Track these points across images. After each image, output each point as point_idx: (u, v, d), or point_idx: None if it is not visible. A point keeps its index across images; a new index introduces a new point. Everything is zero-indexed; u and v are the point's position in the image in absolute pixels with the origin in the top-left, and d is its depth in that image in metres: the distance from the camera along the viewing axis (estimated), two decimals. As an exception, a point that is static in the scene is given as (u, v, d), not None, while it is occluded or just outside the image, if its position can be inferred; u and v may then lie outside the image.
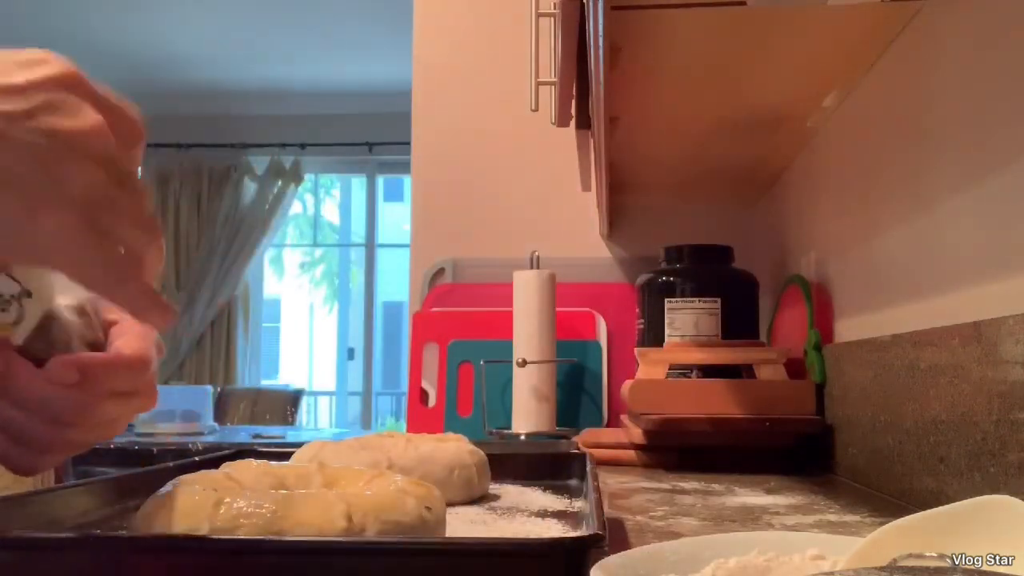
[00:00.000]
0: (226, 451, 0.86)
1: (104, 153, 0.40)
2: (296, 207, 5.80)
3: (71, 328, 0.52)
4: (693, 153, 1.42)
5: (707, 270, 1.40)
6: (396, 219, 6.72)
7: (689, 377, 1.27)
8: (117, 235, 0.41)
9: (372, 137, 5.14)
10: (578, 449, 0.91)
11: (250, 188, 5.25)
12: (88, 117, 0.39)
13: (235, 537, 0.46)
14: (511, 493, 0.80)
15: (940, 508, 0.36)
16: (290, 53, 4.62)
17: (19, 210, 0.38)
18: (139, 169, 0.44)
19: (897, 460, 0.86)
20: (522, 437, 1.44)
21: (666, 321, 1.36)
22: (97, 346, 0.52)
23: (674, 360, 1.24)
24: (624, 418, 1.32)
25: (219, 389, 4.39)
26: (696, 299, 1.35)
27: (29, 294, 0.50)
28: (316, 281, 8.34)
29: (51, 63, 0.39)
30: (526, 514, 0.69)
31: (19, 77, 0.38)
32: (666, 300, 1.37)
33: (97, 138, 0.39)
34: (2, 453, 0.49)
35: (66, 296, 0.52)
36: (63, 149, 0.38)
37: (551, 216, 1.81)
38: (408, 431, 1.38)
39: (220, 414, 3.98)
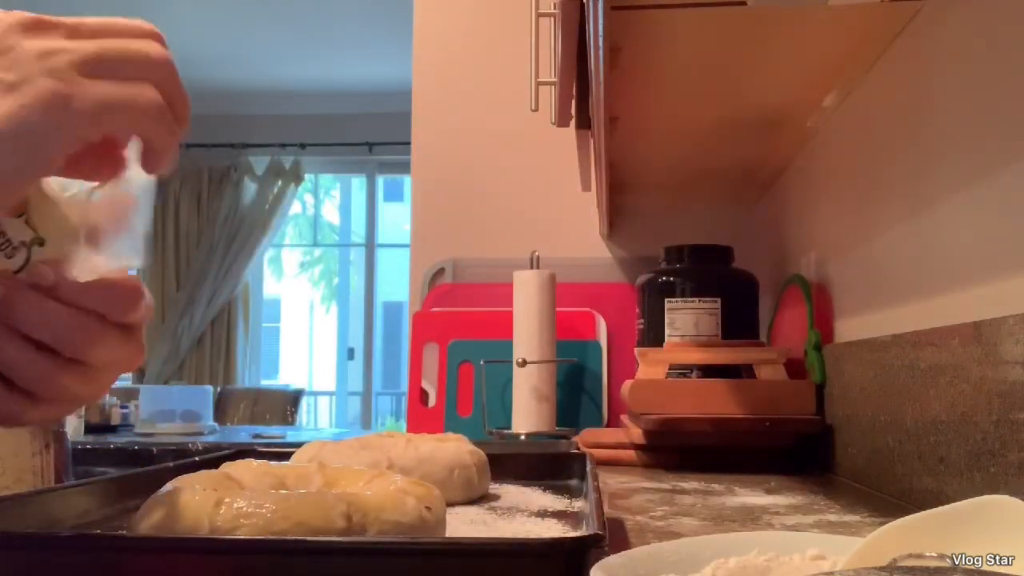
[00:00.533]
0: (226, 451, 0.86)
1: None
2: (296, 207, 5.80)
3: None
4: (693, 153, 1.42)
5: (707, 270, 1.40)
6: (396, 219, 6.72)
7: (689, 377, 1.27)
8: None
9: (372, 137, 5.14)
10: (578, 449, 0.91)
11: (250, 188, 5.25)
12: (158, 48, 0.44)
13: (235, 537, 0.46)
14: (511, 493, 0.80)
15: (940, 508, 0.36)
16: (290, 53, 4.62)
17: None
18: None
19: (897, 460, 0.86)
20: (522, 437, 1.44)
21: (666, 321, 1.36)
22: None
23: (674, 360, 1.24)
24: (624, 418, 1.32)
25: (219, 389, 4.39)
26: (696, 299, 1.35)
27: (42, 242, 0.47)
28: (316, 281, 8.34)
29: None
30: (526, 514, 0.69)
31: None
32: (666, 300, 1.37)
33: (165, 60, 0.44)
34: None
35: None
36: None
37: (551, 216, 1.81)
38: (408, 431, 1.38)
39: (220, 414, 3.98)
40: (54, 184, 0.48)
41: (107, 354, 0.45)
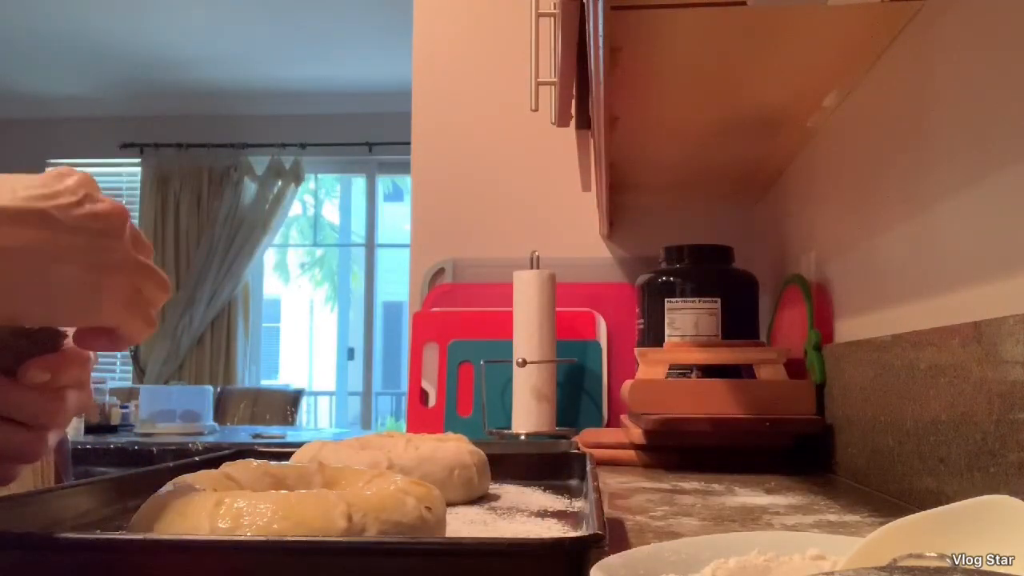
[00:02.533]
0: (226, 451, 0.86)
1: (127, 226, 0.52)
2: (296, 207, 5.80)
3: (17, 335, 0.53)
4: (693, 153, 1.42)
5: (707, 270, 1.40)
6: (396, 219, 6.72)
7: (689, 377, 1.27)
8: (146, 290, 0.53)
9: (372, 137, 5.14)
10: (578, 449, 0.91)
11: (250, 188, 5.25)
12: (110, 202, 0.52)
13: (235, 537, 0.46)
14: (511, 493, 0.80)
15: (940, 508, 0.36)
16: (290, 53, 4.62)
17: (86, 277, 0.49)
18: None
19: (897, 460, 0.86)
20: (522, 437, 1.44)
21: (666, 321, 1.36)
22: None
23: (674, 360, 1.24)
24: (624, 418, 1.32)
25: (219, 389, 4.39)
26: (696, 299, 1.35)
27: None
28: (316, 281, 8.34)
29: (74, 172, 0.51)
30: (526, 514, 0.69)
31: (69, 180, 0.50)
32: (666, 300, 1.37)
33: (121, 216, 0.51)
34: None
35: None
36: (103, 227, 0.50)
37: (551, 216, 1.81)
38: (408, 431, 1.38)
39: (220, 414, 3.98)
40: None
41: (42, 415, 0.53)
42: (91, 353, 0.55)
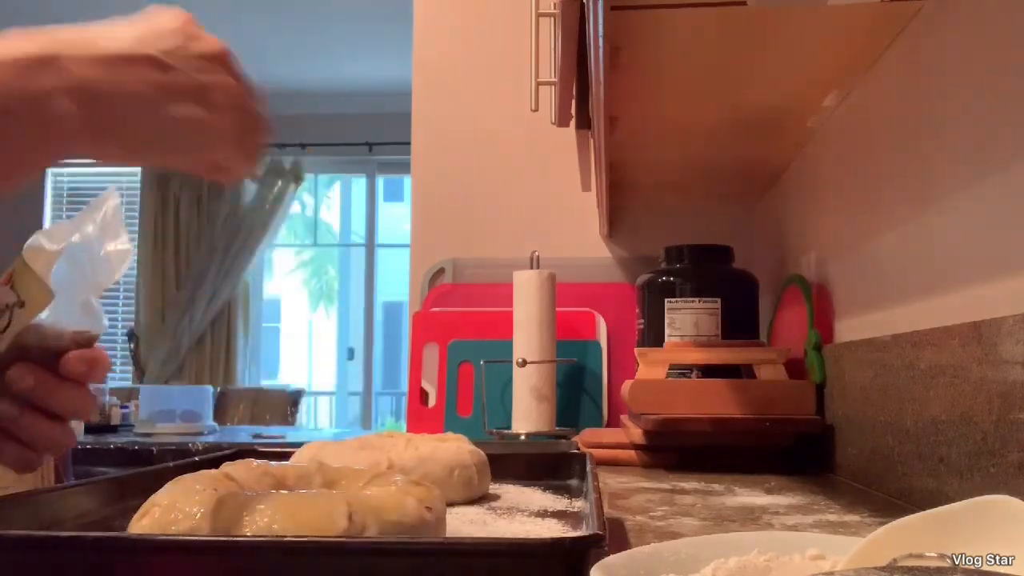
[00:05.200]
0: (226, 451, 0.86)
1: (231, 63, 0.53)
2: (296, 207, 5.80)
3: (41, 332, 0.58)
4: (693, 153, 1.42)
5: (707, 270, 1.40)
6: (396, 219, 6.72)
7: (689, 377, 1.27)
8: (252, 132, 0.55)
9: (372, 137, 5.14)
10: (578, 449, 0.91)
11: (250, 188, 5.25)
12: (213, 40, 0.53)
13: (235, 537, 0.46)
14: (511, 493, 0.80)
15: (940, 508, 0.36)
16: (290, 53, 4.62)
17: (195, 116, 0.51)
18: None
19: (897, 460, 0.86)
20: (522, 437, 1.44)
21: (666, 321, 1.36)
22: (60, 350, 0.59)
23: (674, 360, 1.24)
24: (624, 418, 1.32)
25: (219, 389, 4.39)
26: (696, 299, 1.35)
27: (22, 304, 0.56)
28: (316, 281, 8.34)
29: (171, 12, 0.52)
30: (526, 514, 0.69)
31: (169, 22, 0.51)
32: (666, 300, 1.37)
33: (224, 54, 0.53)
34: (7, 453, 0.58)
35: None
36: (210, 67, 0.52)
37: (551, 216, 1.81)
38: (408, 431, 1.38)
39: (220, 414, 3.97)
40: (36, 257, 0.56)
41: (75, 407, 0.58)
42: (109, 359, 0.59)
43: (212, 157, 0.54)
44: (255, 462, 0.62)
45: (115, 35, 0.50)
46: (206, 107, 0.51)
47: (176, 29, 0.52)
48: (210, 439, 1.80)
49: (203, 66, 0.52)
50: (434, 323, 1.68)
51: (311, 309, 8.40)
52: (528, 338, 1.47)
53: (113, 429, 1.94)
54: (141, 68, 0.50)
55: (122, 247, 0.59)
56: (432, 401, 1.64)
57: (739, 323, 1.36)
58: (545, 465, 0.87)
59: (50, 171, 5.27)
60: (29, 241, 0.57)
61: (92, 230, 0.58)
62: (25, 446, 0.58)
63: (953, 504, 0.36)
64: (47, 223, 5.20)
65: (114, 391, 2.39)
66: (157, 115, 0.50)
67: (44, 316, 0.57)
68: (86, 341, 0.59)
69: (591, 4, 0.77)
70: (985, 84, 0.73)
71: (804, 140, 1.30)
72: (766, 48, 0.96)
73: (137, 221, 4.96)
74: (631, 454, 1.17)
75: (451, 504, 0.69)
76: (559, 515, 0.68)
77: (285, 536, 0.46)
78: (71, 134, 0.48)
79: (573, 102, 1.19)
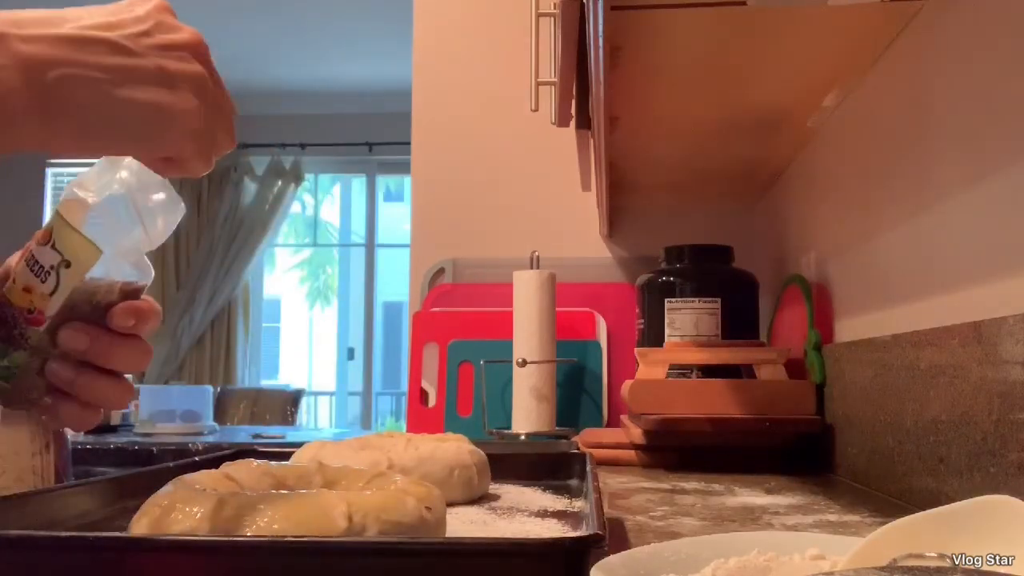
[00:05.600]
0: (226, 451, 0.86)
1: (204, 55, 0.52)
2: (296, 207, 5.80)
3: (90, 288, 0.56)
4: (693, 153, 1.42)
5: (707, 270, 1.40)
6: (396, 219, 6.72)
7: (689, 377, 1.27)
8: (215, 132, 0.53)
9: (372, 137, 5.14)
10: (578, 449, 0.91)
11: (250, 188, 5.25)
12: (187, 31, 0.52)
13: (235, 537, 0.46)
14: (511, 493, 0.80)
15: (940, 508, 0.36)
16: (290, 53, 4.62)
17: (153, 105, 0.49)
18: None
19: (897, 460, 0.86)
20: (522, 437, 1.44)
21: (666, 321, 1.36)
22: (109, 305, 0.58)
23: (674, 360, 1.24)
24: (624, 418, 1.32)
25: (219, 389, 4.39)
26: (696, 299, 1.35)
27: (68, 264, 0.55)
28: (316, 281, 8.35)
29: (146, 2, 0.51)
30: (526, 514, 0.69)
31: (139, 9, 0.50)
32: (666, 300, 1.37)
33: (197, 45, 0.52)
34: (67, 414, 0.58)
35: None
36: (179, 55, 0.50)
37: (551, 216, 1.81)
38: (408, 431, 1.38)
39: (220, 414, 3.98)
40: (73, 211, 0.55)
41: (130, 361, 0.58)
42: (159, 307, 0.59)
43: (171, 147, 0.51)
44: (255, 462, 0.62)
45: (76, 18, 0.49)
46: (168, 92, 0.49)
47: (145, 16, 0.50)
48: (210, 439, 1.80)
49: (170, 54, 0.50)
50: (434, 323, 1.68)
51: (311, 309, 8.40)
52: (528, 338, 1.47)
53: (113, 429, 1.94)
54: (98, 49, 0.48)
55: (169, 199, 0.56)
56: (432, 401, 1.64)
57: (739, 323, 1.36)
58: (545, 465, 0.87)
59: (50, 170, 5.27)
60: (64, 193, 0.55)
61: (128, 176, 0.55)
62: (83, 405, 0.58)
63: (953, 504, 0.36)
64: (47, 215, 5.21)
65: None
66: (112, 97, 0.48)
67: (92, 273, 0.56)
68: (134, 292, 0.58)
69: (591, 4, 0.77)
70: (985, 84, 0.73)
71: (804, 140, 1.30)
72: (766, 48, 0.96)
73: (137, 221, 4.96)
74: (631, 454, 1.17)
75: (451, 504, 0.68)
76: (559, 515, 0.68)
77: (285, 536, 0.46)
78: (18, 113, 0.46)
79: (573, 102, 1.19)
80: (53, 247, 0.55)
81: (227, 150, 0.55)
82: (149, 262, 0.59)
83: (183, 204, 0.58)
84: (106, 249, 0.55)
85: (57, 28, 0.47)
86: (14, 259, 0.61)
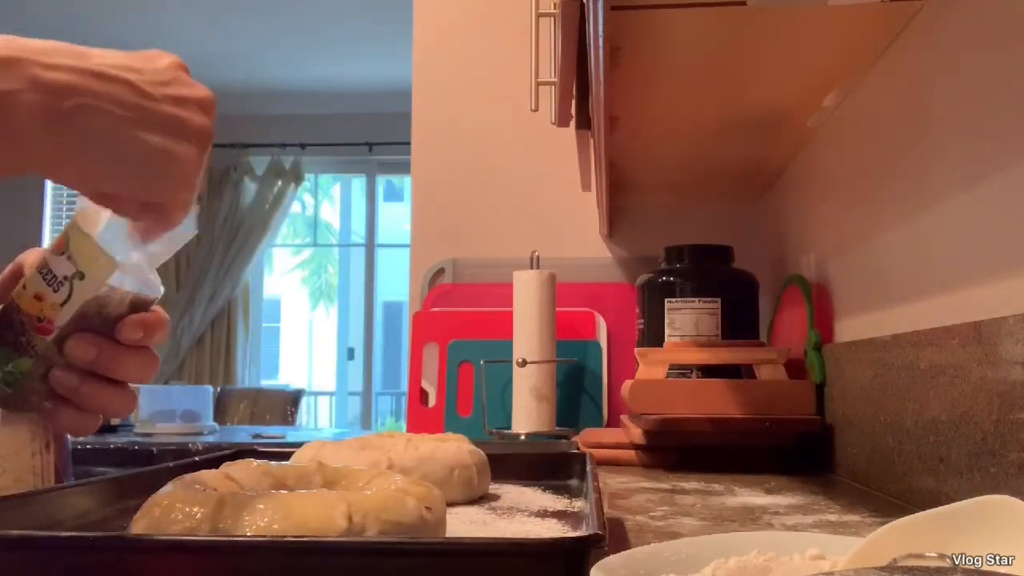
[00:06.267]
0: (226, 451, 0.86)
1: (212, 113, 0.54)
2: (296, 207, 5.80)
3: (100, 299, 0.56)
4: (693, 153, 1.42)
5: (707, 270, 1.40)
6: (396, 219, 6.73)
7: (689, 377, 1.27)
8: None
9: (372, 137, 5.14)
10: (578, 449, 0.90)
11: (250, 188, 5.25)
12: (202, 88, 0.54)
13: (235, 537, 0.46)
14: (511, 493, 0.80)
15: (940, 508, 0.36)
16: (290, 53, 4.62)
17: (161, 151, 0.50)
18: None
19: (897, 460, 0.86)
20: (522, 437, 1.44)
21: (666, 321, 1.36)
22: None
23: (674, 360, 1.24)
24: (624, 418, 1.32)
25: (219, 389, 4.39)
26: (696, 299, 1.35)
27: (82, 276, 0.55)
28: (316, 281, 8.35)
29: (167, 56, 0.53)
30: (526, 514, 0.69)
31: (159, 62, 0.52)
32: (666, 300, 1.37)
33: (209, 103, 0.54)
34: (66, 420, 0.59)
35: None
36: (192, 108, 0.52)
37: (551, 216, 1.81)
38: (408, 431, 1.38)
39: (220, 414, 3.98)
40: (89, 222, 0.55)
41: (136, 372, 0.59)
42: (167, 317, 0.60)
43: (166, 193, 0.52)
44: (255, 462, 0.62)
45: (100, 55, 0.50)
46: (177, 141, 0.51)
47: (164, 68, 0.52)
48: (210, 439, 1.80)
49: (185, 106, 0.52)
50: (434, 323, 1.68)
51: (311, 309, 8.40)
52: (528, 338, 1.47)
53: (113, 429, 1.94)
54: (119, 87, 0.49)
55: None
56: (432, 401, 1.63)
57: (739, 323, 1.36)
58: (545, 465, 0.87)
59: (50, 171, 5.27)
60: (80, 203, 0.55)
61: None
62: (84, 411, 0.58)
63: (953, 504, 0.36)
64: (47, 224, 5.20)
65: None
66: (126, 134, 0.49)
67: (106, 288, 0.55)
68: (144, 304, 0.57)
69: (591, 4, 0.77)
70: (985, 84, 0.73)
71: (804, 140, 1.30)
72: (766, 48, 0.96)
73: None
74: (631, 454, 1.17)
75: (451, 504, 0.68)
76: (559, 515, 0.68)
77: (285, 536, 0.46)
78: (32, 136, 0.46)
79: (573, 102, 1.19)
80: (68, 258, 0.55)
81: (199, 195, 0.56)
82: (158, 276, 0.59)
83: (195, 221, 0.58)
84: (119, 259, 0.55)
85: (81, 61, 0.48)
86: (28, 257, 0.61)
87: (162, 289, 0.59)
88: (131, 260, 0.56)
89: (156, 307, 0.59)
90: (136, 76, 0.50)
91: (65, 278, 0.54)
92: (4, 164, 0.47)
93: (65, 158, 0.48)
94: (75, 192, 0.53)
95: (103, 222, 0.54)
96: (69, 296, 0.55)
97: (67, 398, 0.58)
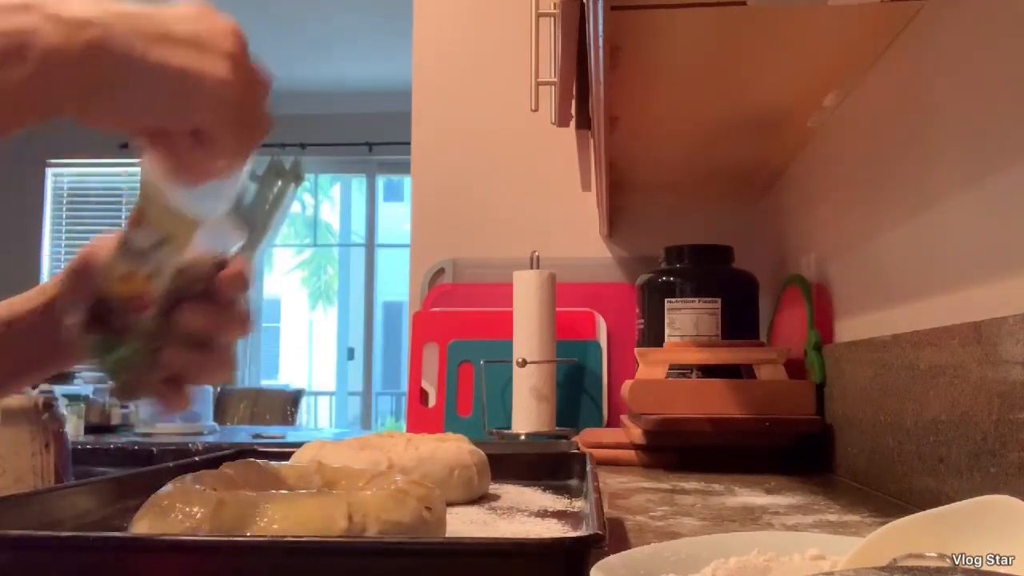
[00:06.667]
0: (226, 451, 0.86)
1: (239, 39, 0.52)
2: (296, 207, 5.80)
3: (192, 263, 0.54)
4: (693, 153, 1.42)
5: (707, 270, 1.40)
6: (396, 219, 6.73)
7: (689, 377, 1.27)
8: (251, 97, 0.53)
9: (372, 137, 5.14)
10: (578, 449, 0.91)
11: (250, 188, 5.24)
12: (226, 18, 0.52)
13: (235, 537, 0.46)
14: (511, 493, 0.80)
15: (940, 508, 0.36)
16: (290, 53, 4.62)
17: (194, 62, 0.48)
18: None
19: (897, 460, 0.86)
20: (522, 437, 1.44)
21: (666, 321, 1.36)
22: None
23: (674, 360, 1.24)
24: (624, 418, 1.32)
25: (219, 389, 4.38)
26: (696, 299, 1.35)
27: (167, 242, 0.52)
28: (315, 281, 8.35)
29: (223, 17, 0.52)
30: (526, 514, 0.69)
31: (222, 24, 0.51)
32: (666, 300, 1.37)
33: (234, 30, 0.51)
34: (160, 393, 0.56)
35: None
36: (212, 32, 0.50)
37: (551, 216, 1.81)
38: (408, 431, 1.38)
39: (220, 414, 3.98)
40: (157, 189, 0.52)
41: (240, 327, 0.57)
42: (251, 263, 0.58)
43: (201, 115, 0.50)
44: (255, 462, 0.62)
45: (161, 17, 0.49)
46: (199, 55, 0.49)
47: (225, 31, 0.51)
48: (210, 439, 1.80)
49: (206, 28, 0.50)
50: (434, 323, 1.68)
51: (311, 309, 8.40)
52: (528, 338, 1.47)
53: (113, 429, 1.94)
54: (136, 19, 0.48)
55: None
56: (432, 401, 1.64)
57: (739, 323, 1.36)
58: (545, 465, 0.87)
59: (50, 171, 5.27)
60: (143, 174, 0.52)
61: None
62: (194, 385, 0.57)
63: (953, 504, 0.36)
64: (47, 224, 5.20)
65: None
66: (151, 58, 0.47)
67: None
68: (224, 262, 0.55)
69: (591, 4, 0.77)
70: (985, 84, 0.73)
71: (804, 140, 1.30)
72: (766, 48, 0.96)
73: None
74: (631, 454, 1.17)
75: (451, 504, 0.69)
76: (559, 515, 0.68)
77: (285, 536, 0.46)
78: (54, 67, 0.45)
79: (573, 102, 1.19)
80: (149, 227, 0.51)
81: (263, 135, 0.54)
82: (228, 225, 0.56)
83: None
84: (199, 216, 0.52)
85: (99, 2, 0.48)
86: (96, 246, 0.59)
87: (240, 239, 0.57)
88: (210, 215, 0.53)
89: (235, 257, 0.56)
90: (155, 11, 0.49)
91: (150, 248, 0.52)
92: (33, 106, 0.46)
93: (92, 92, 0.47)
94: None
95: (169, 185, 0.51)
96: (158, 267, 0.52)
97: (179, 375, 0.56)
